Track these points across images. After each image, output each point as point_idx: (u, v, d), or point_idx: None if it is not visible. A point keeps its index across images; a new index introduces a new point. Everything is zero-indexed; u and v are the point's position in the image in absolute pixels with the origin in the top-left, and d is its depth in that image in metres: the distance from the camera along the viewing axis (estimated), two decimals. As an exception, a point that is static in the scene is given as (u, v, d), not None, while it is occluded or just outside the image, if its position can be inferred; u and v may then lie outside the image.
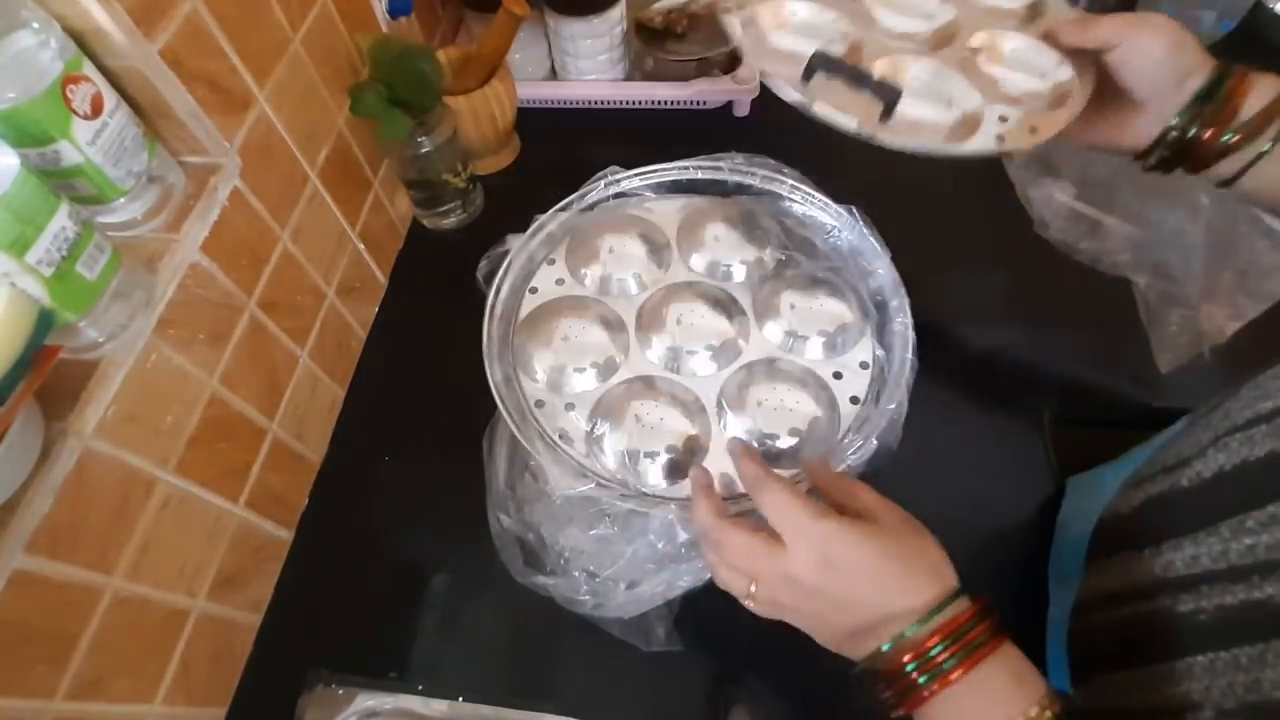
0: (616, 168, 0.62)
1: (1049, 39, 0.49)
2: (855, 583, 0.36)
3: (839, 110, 0.47)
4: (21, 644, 0.39)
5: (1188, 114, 0.44)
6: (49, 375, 0.37)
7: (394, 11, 0.73)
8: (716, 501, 0.42)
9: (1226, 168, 0.45)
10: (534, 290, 0.59)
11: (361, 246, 0.72)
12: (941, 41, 0.52)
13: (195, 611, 0.52)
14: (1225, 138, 0.43)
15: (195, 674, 0.52)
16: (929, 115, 0.47)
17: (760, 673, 0.54)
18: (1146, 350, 0.65)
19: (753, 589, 0.39)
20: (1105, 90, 0.47)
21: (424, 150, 0.71)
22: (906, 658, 0.34)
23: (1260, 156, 0.43)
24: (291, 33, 0.58)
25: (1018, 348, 0.68)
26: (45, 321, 0.36)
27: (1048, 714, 0.33)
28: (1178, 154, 0.46)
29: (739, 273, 0.59)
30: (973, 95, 0.48)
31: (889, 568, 0.36)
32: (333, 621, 0.59)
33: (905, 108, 0.47)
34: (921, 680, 0.34)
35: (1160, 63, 0.44)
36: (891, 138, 0.46)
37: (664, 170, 0.62)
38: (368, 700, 0.53)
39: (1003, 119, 0.47)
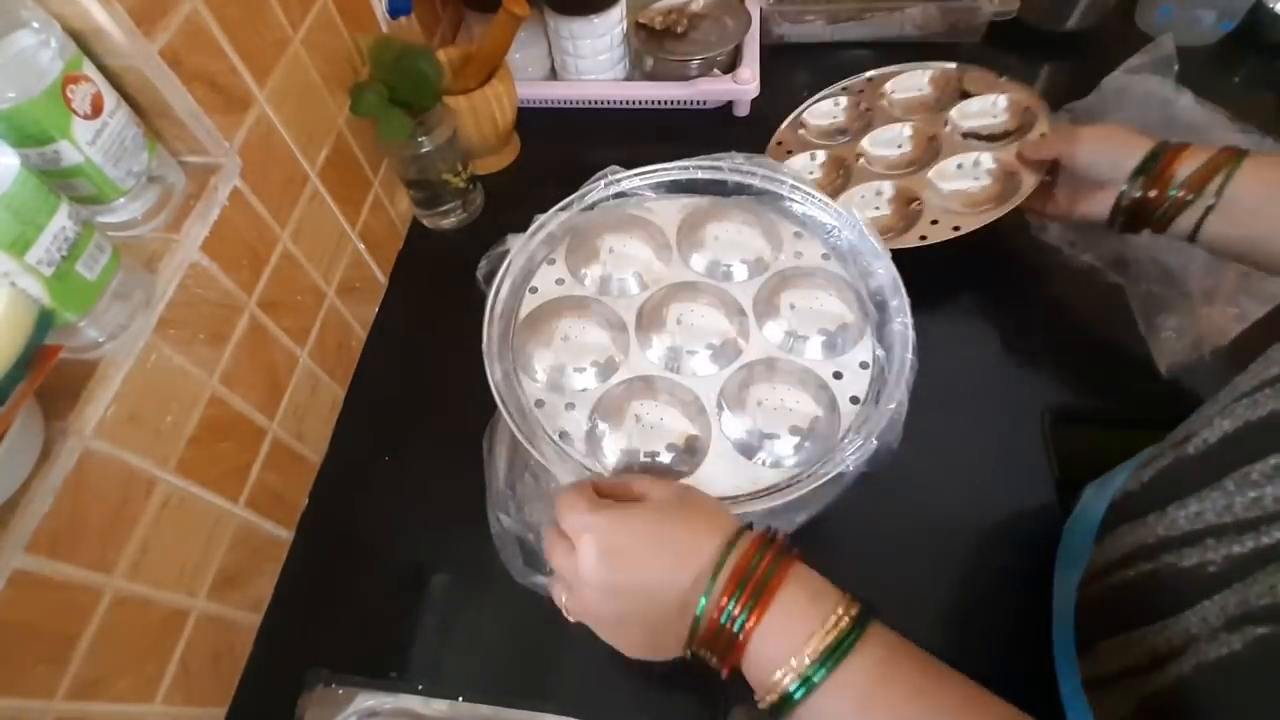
0: (616, 167, 0.62)
1: (1020, 158, 0.67)
2: (638, 562, 0.37)
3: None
4: (21, 644, 0.39)
5: (1134, 182, 0.56)
6: (49, 375, 0.37)
7: (394, 11, 0.73)
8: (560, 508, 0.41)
9: (1183, 224, 0.54)
10: (534, 290, 0.59)
11: (361, 246, 0.72)
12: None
13: (195, 611, 0.52)
14: (1171, 192, 0.53)
15: (195, 674, 0.52)
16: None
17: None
18: (1136, 354, 0.65)
19: (563, 598, 0.41)
20: (1076, 178, 0.61)
21: (424, 150, 0.71)
22: (713, 618, 0.35)
23: (1208, 210, 0.52)
24: (291, 32, 0.58)
25: (1018, 347, 0.68)
26: (45, 321, 0.36)
27: (845, 618, 0.34)
28: (1136, 216, 0.57)
29: (739, 272, 0.59)
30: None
31: (665, 535, 0.37)
32: (333, 621, 0.59)
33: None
34: (735, 631, 0.35)
35: (1100, 153, 0.58)
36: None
37: (664, 170, 0.62)
38: (368, 700, 0.53)
39: (933, 221, 0.67)
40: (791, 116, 0.82)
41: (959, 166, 0.72)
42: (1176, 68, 0.68)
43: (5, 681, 0.38)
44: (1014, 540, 0.59)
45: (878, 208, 0.73)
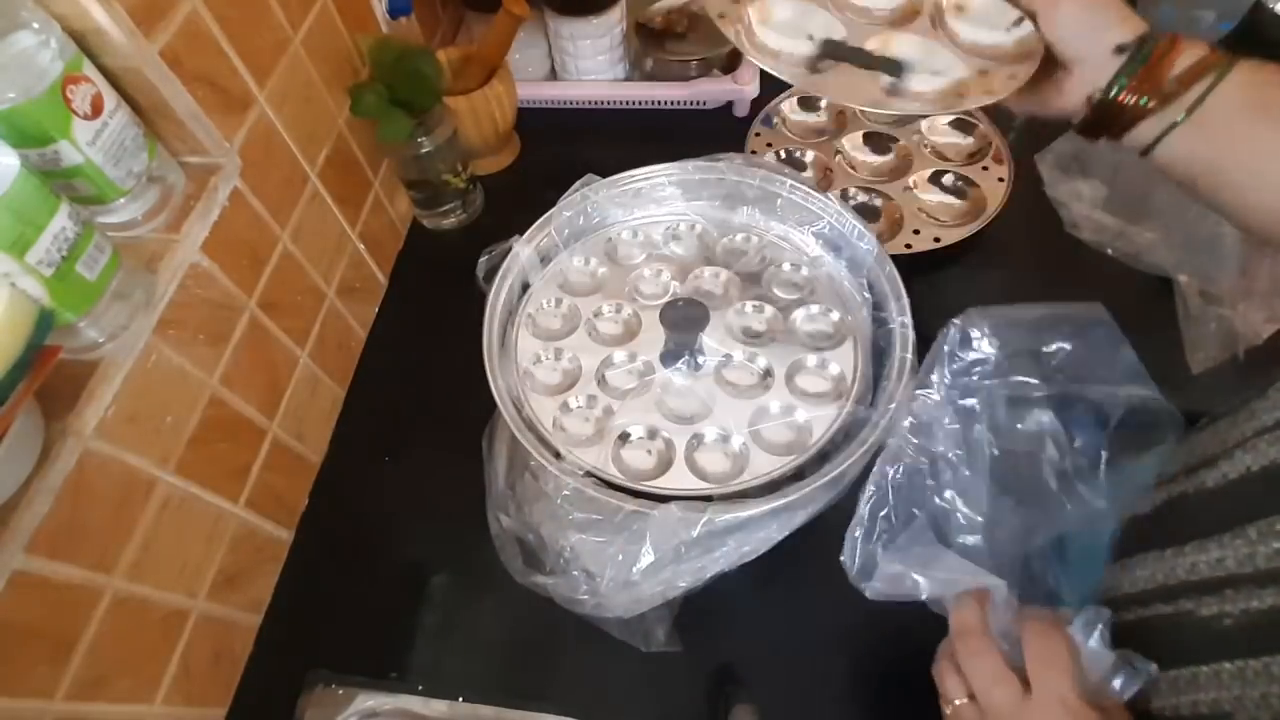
0: (592, 176, 0.62)
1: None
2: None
3: (844, 91, 0.50)
4: (21, 644, 0.39)
5: (1119, 78, 0.46)
6: (49, 375, 0.37)
7: (394, 11, 0.73)
8: (984, 612, 0.42)
9: (1143, 134, 0.46)
10: (534, 290, 0.59)
11: (361, 246, 0.72)
12: (910, 13, 0.56)
13: (195, 611, 0.52)
14: (1142, 101, 0.45)
15: (195, 674, 0.52)
16: (924, 86, 0.50)
17: (760, 673, 0.54)
18: (1166, 351, 0.65)
19: (959, 702, 0.40)
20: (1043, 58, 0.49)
21: (424, 150, 0.71)
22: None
23: (1172, 127, 0.44)
24: (291, 33, 0.58)
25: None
26: (45, 322, 0.36)
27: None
28: (1100, 119, 0.47)
29: (743, 275, 0.59)
30: (957, 63, 0.51)
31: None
32: (333, 621, 0.59)
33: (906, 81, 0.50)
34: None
35: (1077, 19, 0.47)
36: (902, 105, 0.50)
37: (663, 171, 0.62)
38: (368, 700, 0.53)
39: (983, 73, 0.50)
40: (769, 106, 0.83)
41: (938, 182, 0.75)
42: None
43: (5, 681, 0.38)
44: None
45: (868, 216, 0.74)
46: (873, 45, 0.51)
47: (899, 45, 0.51)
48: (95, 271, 0.41)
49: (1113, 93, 0.46)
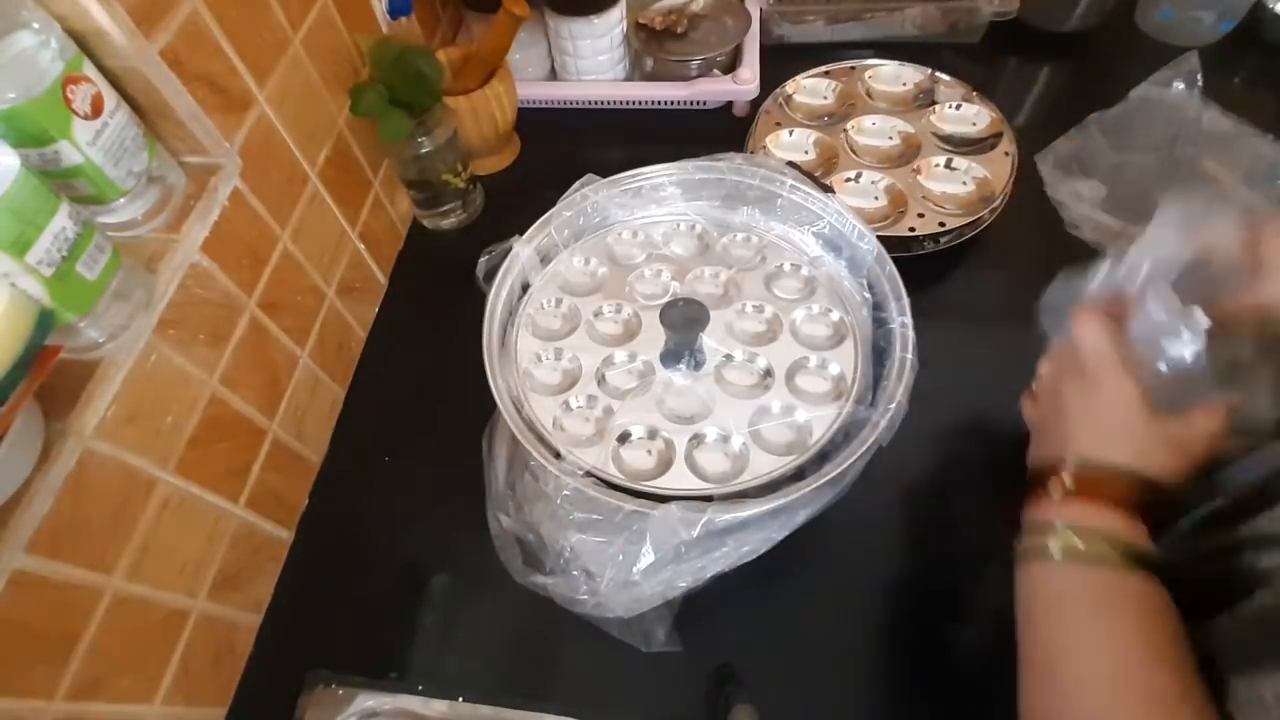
0: (592, 176, 0.62)
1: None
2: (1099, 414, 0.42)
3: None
4: (21, 644, 0.39)
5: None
6: (49, 375, 0.37)
7: (394, 11, 0.73)
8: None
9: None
10: (534, 290, 0.59)
11: (361, 246, 0.72)
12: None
13: (195, 611, 0.52)
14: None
15: (195, 674, 0.52)
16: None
17: (760, 673, 0.54)
18: None
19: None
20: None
21: (424, 150, 0.71)
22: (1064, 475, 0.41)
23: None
24: (291, 33, 0.58)
25: (1021, 346, 0.68)
26: (45, 322, 0.36)
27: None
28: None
29: (743, 275, 0.59)
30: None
31: (1119, 420, 0.42)
32: (333, 621, 0.59)
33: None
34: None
35: None
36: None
37: (663, 171, 0.62)
38: (368, 700, 0.53)
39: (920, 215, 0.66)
40: (776, 91, 0.82)
41: (948, 167, 0.73)
42: (1201, 82, 0.68)
43: (5, 681, 0.38)
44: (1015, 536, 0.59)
45: (876, 197, 0.73)
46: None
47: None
48: (95, 271, 0.41)
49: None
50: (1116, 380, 0.42)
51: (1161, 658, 0.36)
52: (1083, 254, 0.71)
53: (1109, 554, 0.39)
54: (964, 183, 0.72)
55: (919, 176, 0.73)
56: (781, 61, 0.88)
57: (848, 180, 0.73)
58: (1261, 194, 0.67)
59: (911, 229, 0.68)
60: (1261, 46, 0.87)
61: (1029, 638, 0.41)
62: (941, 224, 0.68)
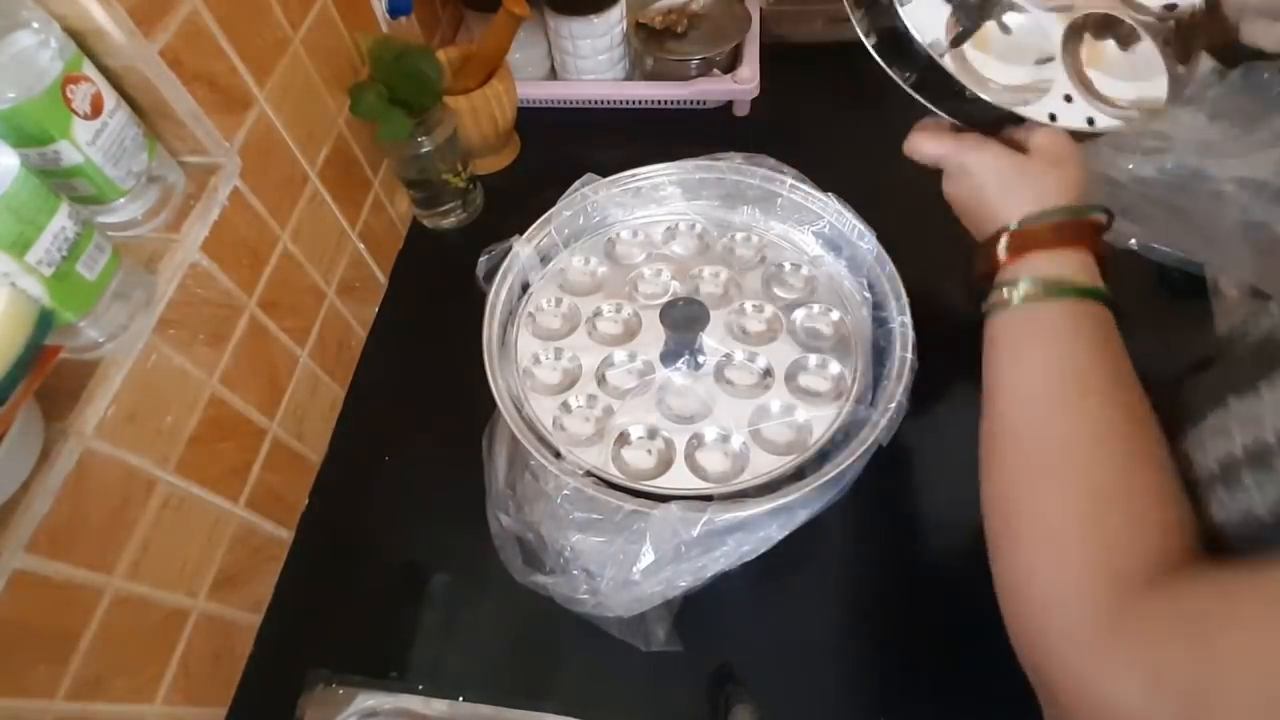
0: (592, 175, 0.62)
1: None
2: (989, 190, 0.45)
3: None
4: (21, 644, 0.39)
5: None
6: (49, 375, 0.37)
7: (394, 11, 0.73)
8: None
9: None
10: (534, 290, 0.59)
11: (361, 246, 0.72)
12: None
13: (195, 611, 0.52)
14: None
15: (195, 674, 0.52)
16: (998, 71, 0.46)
17: (760, 673, 0.54)
18: (1157, 349, 0.64)
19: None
20: None
21: (424, 150, 0.71)
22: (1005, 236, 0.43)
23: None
24: (291, 33, 0.58)
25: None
26: (45, 321, 0.36)
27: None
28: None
29: (743, 274, 0.59)
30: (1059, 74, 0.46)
31: (1016, 185, 0.44)
32: (333, 621, 0.59)
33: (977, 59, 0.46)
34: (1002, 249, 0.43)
35: None
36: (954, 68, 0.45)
37: (663, 170, 0.62)
38: (368, 700, 0.53)
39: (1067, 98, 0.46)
40: None
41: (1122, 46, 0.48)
42: None
43: (5, 681, 0.38)
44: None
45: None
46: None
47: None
48: (95, 271, 0.41)
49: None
50: (975, 159, 0.45)
51: (1097, 386, 0.38)
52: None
53: (1059, 289, 0.41)
54: (1139, 76, 0.48)
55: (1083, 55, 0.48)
56: (781, 61, 0.88)
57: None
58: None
59: (1052, 116, 0.46)
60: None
61: (985, 385, 0.42)
62: (1090, 120, 0.46)
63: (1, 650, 0.38)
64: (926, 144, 0.47)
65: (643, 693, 0.54)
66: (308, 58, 0.60)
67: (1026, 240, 0.43)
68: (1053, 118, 0.45)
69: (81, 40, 0.41)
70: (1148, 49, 0.48)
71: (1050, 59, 0.46)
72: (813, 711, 0.53)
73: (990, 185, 0.45)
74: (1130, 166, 0.69)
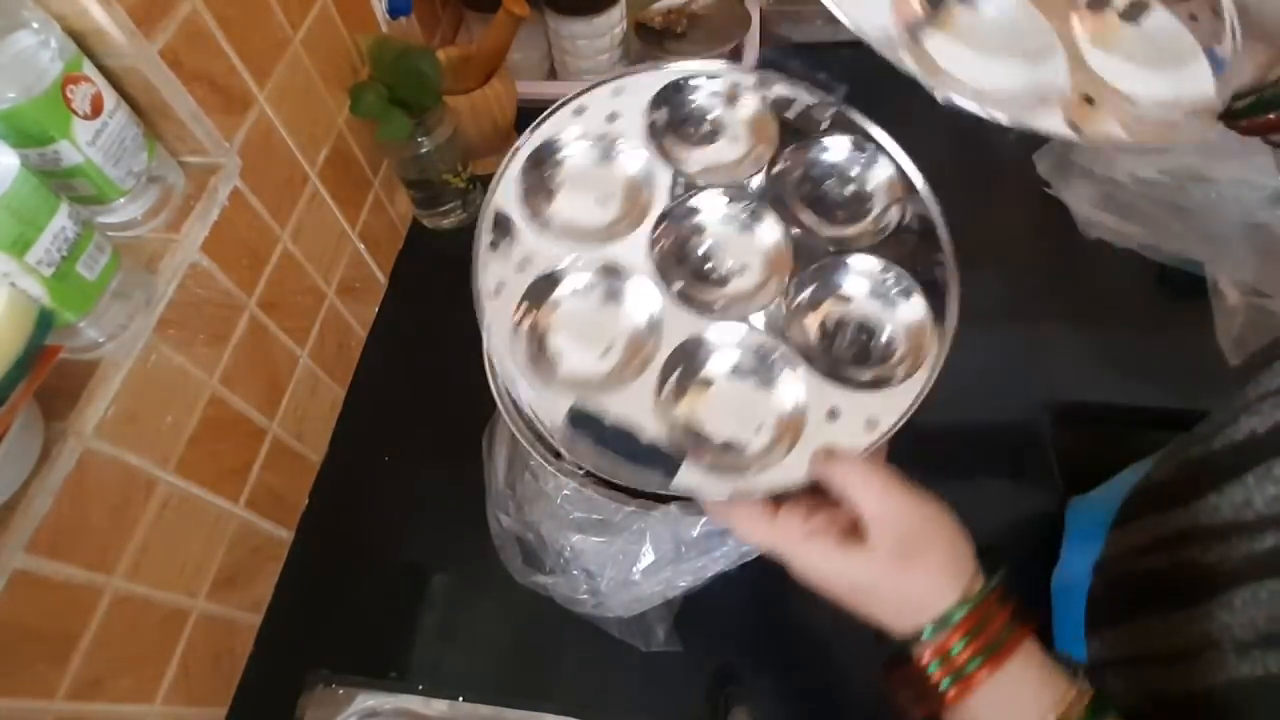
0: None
1: None
2: (852, 603, 0.35)
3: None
4: (21, 644, 0.39)
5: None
6: (49, 375, 0.37)
7: (394, 11, 0.73)
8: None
9: None
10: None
11: (361, 246, 0.72)
12: None
13: (195, 611, 0.52)
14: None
15: (195, 674, 0.52)
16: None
17: (760, 673, 0.54)
18: (1157, 349, 0.64)
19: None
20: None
21: (424, 150, 0.71)
22: (926, 656, 0.33)
23: None
24: (291, 33, 0.58)
25: (1022, 344, 0.68)
26: (45, 321, 0.36)
27: (1084, 700, 0.31)
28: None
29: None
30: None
31: (891, 590, 0.34)
32: (333, 621, 0.59)
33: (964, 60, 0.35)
34: (951, 678, 0.32)
35: None
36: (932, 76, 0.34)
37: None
38: (368, 700, 0.53)
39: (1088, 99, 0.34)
40: None
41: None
42: None
43: (5, 681, 0.38)
44: (1014, 540, 0.59)
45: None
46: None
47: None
48: (95, 271, 0.41)
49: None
50: (799, 566, 0.35)
51: None
52: (1084, 254, 0.71)
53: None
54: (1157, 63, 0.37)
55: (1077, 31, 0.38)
56: (781, 61, 0.88)
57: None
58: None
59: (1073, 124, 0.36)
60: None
61: None
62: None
63: (1, 650, 0.38)
64: (753, 532, 0.36)
65: (643, 693, 0.54)
66: (308, 58, 0.60)
67: (950, 668, 0.32)
68: (1075, 129, 0.33)
69: (81, 40, 0.41)
70: (1166, 22, 0.35)
71: (1050, 48, 0.35)
72: (812, 712, 0.53)
73: (846, 597, 0.35)
74: (1130, 167, 0.69)
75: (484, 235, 0.43)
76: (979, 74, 0.34)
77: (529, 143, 0.45)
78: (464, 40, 0.94)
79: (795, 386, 0.39)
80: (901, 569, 0.34)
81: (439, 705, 0.53)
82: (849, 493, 0.35)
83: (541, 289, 0.43)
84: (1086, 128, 0.33)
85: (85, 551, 0.42)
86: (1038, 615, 0.34)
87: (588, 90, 0.47)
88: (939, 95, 0.33)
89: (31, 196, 0.37)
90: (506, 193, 0.43)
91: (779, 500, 0.36)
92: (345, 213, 0.68)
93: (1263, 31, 0.36)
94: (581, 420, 0.38)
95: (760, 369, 0.40)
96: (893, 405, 0.38)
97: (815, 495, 0.36)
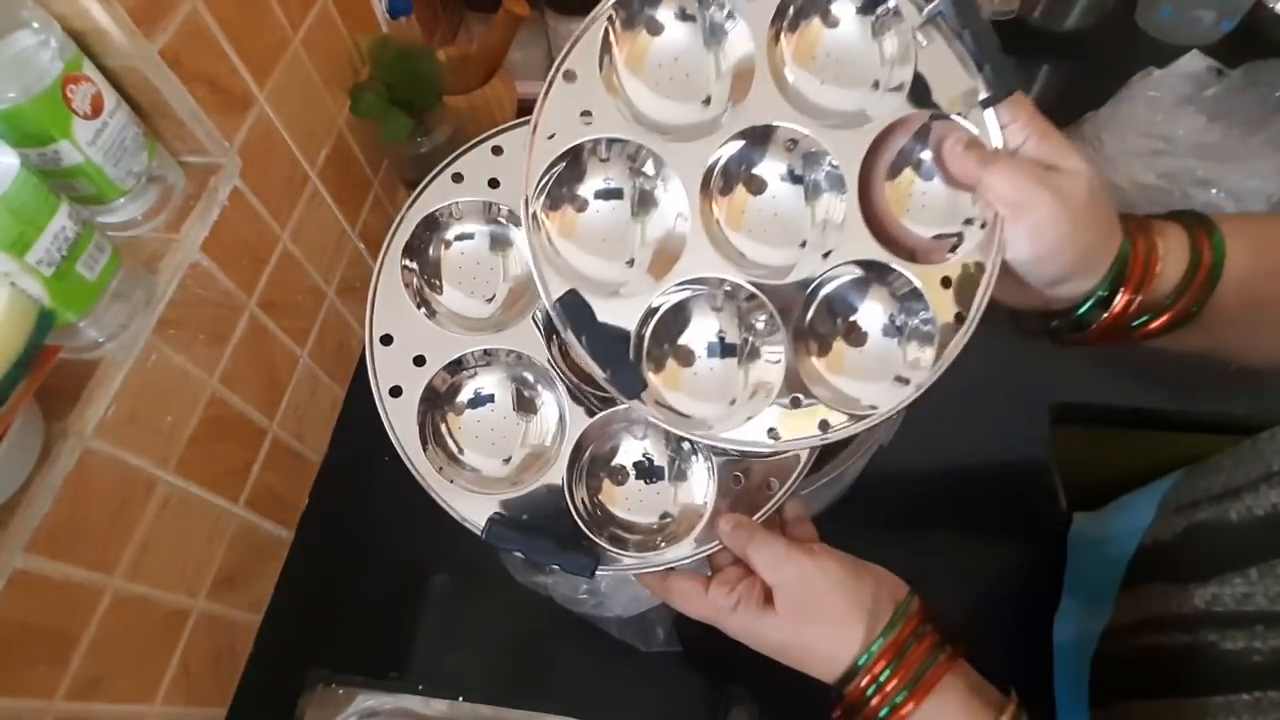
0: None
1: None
2: (777, 654, 0.39)
3: None
4: (21, 644, 0.39)
5: (1099, 293, 0.37)
6: (49, 375, 0.37)
7: (394, 11, 0.73)
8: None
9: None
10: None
11: (361, 246, 0.72)
12: None
13: (195, 611, 0.52)
14: (1137, 323, 0.37)
15: (195, 674, 0.52)
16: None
17: (760, 673, 0.53)
18: (1157, 349, 0.64)
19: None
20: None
21: (424, 150, 0.71)
22: (848, 699, 0.37)
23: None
24: (291, 33, 0.58)
25: (1021, 344, 0.68)
26: (45, 321, 0.36)
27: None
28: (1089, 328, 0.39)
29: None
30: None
31: (793, 656, 0.39)
32: (333, 621, 0.59)
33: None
34: (882, 714, 0.35)
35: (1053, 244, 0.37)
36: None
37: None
38: (368, 700, 0.53)
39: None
40: None
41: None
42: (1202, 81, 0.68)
43: (5, 681, 0.38)
44: (1013, 540, 0.59)
45: None
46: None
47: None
48: (95, 271, 0.41)
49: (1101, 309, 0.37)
50: (741, 629, 0.39)
51: None
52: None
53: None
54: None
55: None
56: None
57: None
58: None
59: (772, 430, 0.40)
60: (1262, 46, 0.87)
61: None
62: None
63: (1, 650, 0.38)
64: (687, 606, 0.41)
65: (643, 693, 0.54)
66: (308, 58, 0.60)
67: (883, 700, 0.36)
68: (773, 434, 0.37)
69: (81, 40, 0.41)
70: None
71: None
72: (812, 712, 0.53)
73: (774, 655, 0.40)
74: (1130, 171, 0.70)
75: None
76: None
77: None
78: (464, 40, 0.94)
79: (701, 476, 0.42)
80: (803, 628, 0.38)
81: (439, 705, 0.53)
82: (752, 564, 0.39)
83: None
84: (784, 434, 0.39)
85: (85, 551, 0.42)
86: (965, 642, 0.37)
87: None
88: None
89: (31, 196, 0.37)
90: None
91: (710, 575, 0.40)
92: (345, 213, 0.68)
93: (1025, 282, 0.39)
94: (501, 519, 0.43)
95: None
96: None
97: (742, 564, 0.40)
